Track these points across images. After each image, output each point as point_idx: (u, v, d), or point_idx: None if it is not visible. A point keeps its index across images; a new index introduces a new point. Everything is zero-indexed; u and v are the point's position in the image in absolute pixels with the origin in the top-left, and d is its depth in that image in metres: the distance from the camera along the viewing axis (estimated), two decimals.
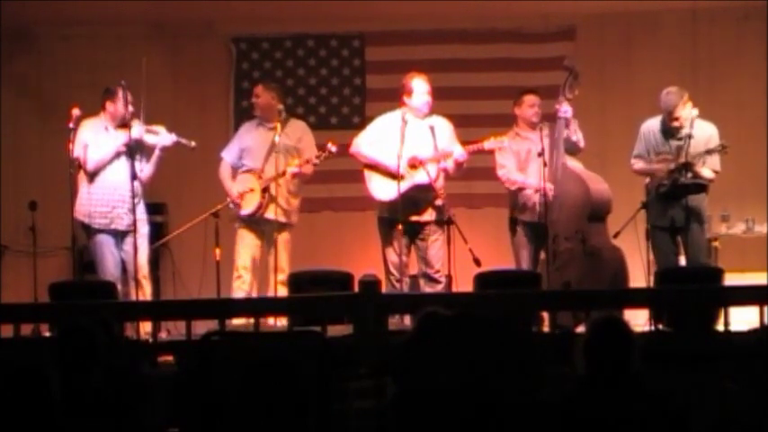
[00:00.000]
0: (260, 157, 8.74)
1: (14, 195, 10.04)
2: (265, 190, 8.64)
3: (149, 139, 8.52)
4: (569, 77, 8.68)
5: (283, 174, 8.60)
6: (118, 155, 8.45)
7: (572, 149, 8.70)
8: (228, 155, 8.90)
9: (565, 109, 8.59)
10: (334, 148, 8.61)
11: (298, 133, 8.83)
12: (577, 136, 8.68)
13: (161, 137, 8.52)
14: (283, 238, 8.72)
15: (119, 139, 8.45)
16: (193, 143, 8.62)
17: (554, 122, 8.71)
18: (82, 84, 10.08)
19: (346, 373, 6.25)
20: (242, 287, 8.68)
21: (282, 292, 8.52)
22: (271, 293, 8.57)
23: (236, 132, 9.25)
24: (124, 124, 8.47)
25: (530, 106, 8.82)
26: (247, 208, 8.68)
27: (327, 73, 10.78)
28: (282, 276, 8.58)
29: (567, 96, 8.66)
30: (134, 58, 10.13)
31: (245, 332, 7.30)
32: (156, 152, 8.53)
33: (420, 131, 8.46)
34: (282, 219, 8.70)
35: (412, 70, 8.72)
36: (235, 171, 8.85)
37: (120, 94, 8.46)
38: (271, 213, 8.67)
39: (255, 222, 8.73)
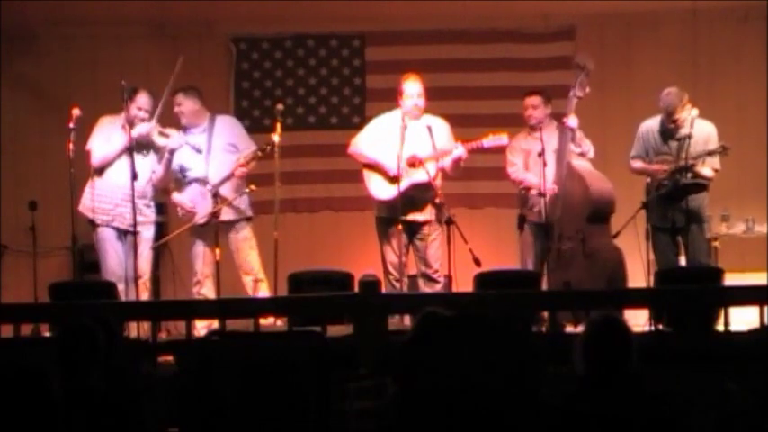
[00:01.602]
0: (200, 163, 8.65)
1: (14, 195, 10.03)
2: (215, 195, 8.56)
3: (160, 140, 8.51)
4: (581, 75, 8.65)
5: (231, 176, 8.54)
6: (128, 150, 8.39)
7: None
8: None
9: (572, 121, 8.57)
10: (276, 138, 8.44)
11: (228, 128, 8.76)
12: (582, 148, 8.66)
13: (171, 140, 8.51)
14: (243, 237, 8.64)
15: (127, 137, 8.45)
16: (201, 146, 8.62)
17: (555, 123, 8.73)
18: (82, 84, 10.09)
19: (346, 373, 6.25)
20: (205, 294, 8.57)
21: (264, 290, 8.50)
22: (253, 293, 8.52)
23: None
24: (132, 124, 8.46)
25: (524, 108, 8.84)
26: (202, 215, 8.56)
27: (327, 73, 10.77)
28: (252, 276, 8.55)
29: (578, 95, 8.62)
30: (134, 58, 10.18)
31: (245, 332, 7.29)
32: (166, 155, 8.52)
33: (418, 131, 8.46)
34: (236, 216, 8.63)
35: (409, 70, 8.71)
36: (178, 183, 8.73)
37: (137, 97, 8.46)
38: (224, 215, 8.58)
39: (209, 228, 8.56)
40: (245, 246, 8.63)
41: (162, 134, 8.52)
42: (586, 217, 8.48)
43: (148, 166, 8.51)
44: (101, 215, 8.47)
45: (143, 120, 8.44)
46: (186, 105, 8.67)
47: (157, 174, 8.56)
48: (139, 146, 8.44)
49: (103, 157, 8.44)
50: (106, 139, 8.46)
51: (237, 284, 8.70)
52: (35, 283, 8.87)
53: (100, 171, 8.48)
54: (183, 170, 8.64)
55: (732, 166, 8.83)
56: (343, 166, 9.55)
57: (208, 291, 8.58)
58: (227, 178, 8.52)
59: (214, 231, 8.50)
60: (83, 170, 8.53)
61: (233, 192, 8.58)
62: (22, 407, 3.98)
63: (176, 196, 8.71)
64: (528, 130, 8.79)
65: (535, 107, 8.80)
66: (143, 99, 8.46)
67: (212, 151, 8.61)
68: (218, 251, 8.42)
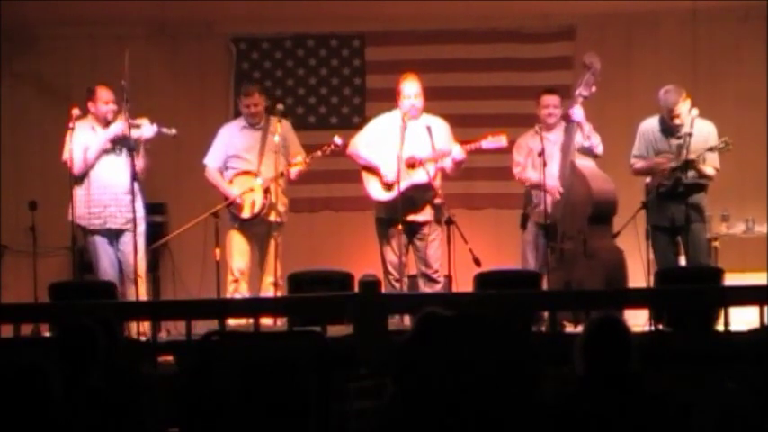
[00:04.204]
0: (253, 158, 8.70)
1: (14, 195, 10.04)
2: (267, 191, 8.62)
3: (133, 133, 8.50)
4: (588, 74, 8.64)
5: (284, 174, 8.58)
6: (105, 152, 8.45)
7: (588, 155, 8.68)
8: (212, 161, 8.81)
9: (576, 112, 8.56)
10: (339, 141, 8.61)
11: (282, 131, 8.77)
12: (591, 141, 8.63)
13: (143, 129, 8.50)
14: (279, 241, 8.70)
15: (102, 137, 8.45)
16: (174, 131, 8.56)
17: (564, 123, 8.73)
18: (82, 83, 10.07)
19: (346, 373, 6.25)
20: (241, 292, 8.63)
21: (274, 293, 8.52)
22: (264, 294, 8.55)
23: (215, 137, 8.97)
24: (108, 123, 8.48)
25: (544, 107, 8.83)
26: (249, 210, 8.63)
27: (327, 73, 10.78)
28: (273, 279, 8.57)
29: (584, 94, 8.61)
30: (134, 58, 10.15)
31: (245, 332, 7.29)
32: (142, 145, 8.51)
33: (417, 131, 8.46)
34: (279, 219, 8.69)
35: (408, 70, 8.71)
36: (222, 174, 8.79)
37: (99, 93, 8.49)
38: (270, 215, 8.65)
39: (251, 225, 8.69)
40: (279, 250, 8.66)
41: (134, 126, 8.51)
42: (588, 217, 8.47)
43: (128, 161, 8.47)
44: (94, 219, 8.46)
45: (114, 112, 8.44)
46: (261, 105, 8.80)
47: (138, 166, 8.53)
48: (113, 144, 8.45)
49: (87, 161, 8.43)
50: (84, 144, 8.44)
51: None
52: (35, 283, 8.86)
53: (82, 177, 8.46)
54: (227, 161, 8.72)
55: (732, 166, 8.83)
56: (344, 166, 9.55)
57: (245, 291, 8.62)
58: (281, 175, 8.56)
59: (255, 230, 8.65)
60: None
61: (282, 194, 8.64)
62: (22, 406, 3.98)
63: (225, 187, 8.70)
64: (536, 128, 8.74)
65: (556, 106, 8.81)
66: (105, 93, 8.50)
67: (271, 148, 8.65)
68: (218, 251, 8.43)
